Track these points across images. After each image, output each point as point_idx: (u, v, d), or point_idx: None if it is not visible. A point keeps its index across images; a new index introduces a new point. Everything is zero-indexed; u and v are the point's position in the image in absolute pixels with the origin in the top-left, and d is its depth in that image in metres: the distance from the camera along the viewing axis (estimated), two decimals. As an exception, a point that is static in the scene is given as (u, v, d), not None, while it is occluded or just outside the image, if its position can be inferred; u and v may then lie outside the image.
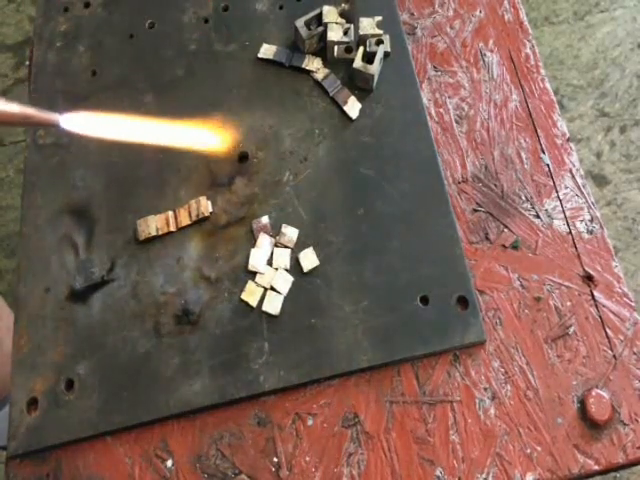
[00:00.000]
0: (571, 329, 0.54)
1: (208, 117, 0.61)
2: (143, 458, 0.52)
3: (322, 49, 0.66)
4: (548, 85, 0.65)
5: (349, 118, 0.62)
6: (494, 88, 0.65)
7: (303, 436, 0.52)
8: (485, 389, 0.52)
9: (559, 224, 0.58)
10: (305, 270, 0.56)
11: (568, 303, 0.55)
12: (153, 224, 0.59)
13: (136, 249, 0.59)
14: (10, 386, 0.55)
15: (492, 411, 0.51)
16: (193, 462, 0.52)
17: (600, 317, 0.54)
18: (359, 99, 0.63)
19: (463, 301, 0.54)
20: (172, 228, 0.59)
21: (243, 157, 0.62)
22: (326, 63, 0.65)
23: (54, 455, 0.53)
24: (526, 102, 0.64)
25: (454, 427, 0.51)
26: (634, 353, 0.53)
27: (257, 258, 0.57)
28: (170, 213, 0.59)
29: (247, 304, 0.55)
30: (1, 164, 1.54)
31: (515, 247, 0.57)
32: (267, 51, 0.67)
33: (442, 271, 0.55)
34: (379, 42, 0.63)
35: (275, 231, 0.58)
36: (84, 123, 0.48)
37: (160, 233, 0.59)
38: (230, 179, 0.61)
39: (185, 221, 0.59)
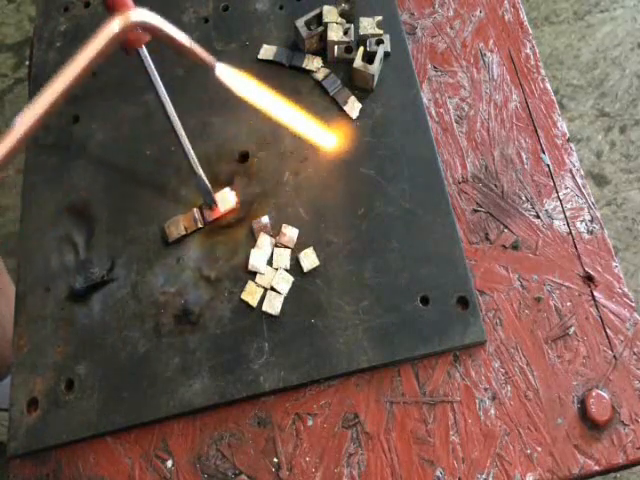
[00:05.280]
0: (571, 329, 0.54)
1: (207, 117, 0.61)
2: (143, 458, 0.52)
3: (322, 49, 0.66)
4: (548, 85, 0.65)
5: (349, 118, 0.62)
6: (494, 88, 0.65)
7: (303, 436, 0.52)
8: (485, 389, 0.52)
9: (559, 224, 0.58)
10: (305, 270, 0.56)
11: (568, 303, 0.55)
12: (181, 224, 0.58)
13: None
14: (11, 358, 0.56)
15: (492, 411, 0.51)
16: (193, 462, 0.52)
17: (600, 317, 0.54)
18: (359, 99, 0.63)
19: (463, 301, 0.54)
20: (200, 225, 0.59)
21: (243, 157, 0.62)
22: (326, 63, 0.65)
23: (54, 455, 0.53)
24: (526, 102, 0.64)
25: (454, 427, 0.51)
26: (634, 353, 0.53)
27: (257, 258, 0.57)
28: (195, 210, 0.59)
29: (247, 304, 0.55)
30: (1, 164, 1.53)
31: (515, 247, 0.57)
32: (267, 52, 0.67)
33: (442, 271, 0.55)
34: (379, 42, 0.63)
35: (275, 231, 0.58)
36: (232, 79, 0.50)
37: (189, 232, 0.59)
38: (230, 179, 0.61)
39: (212, 216, 0.59)
